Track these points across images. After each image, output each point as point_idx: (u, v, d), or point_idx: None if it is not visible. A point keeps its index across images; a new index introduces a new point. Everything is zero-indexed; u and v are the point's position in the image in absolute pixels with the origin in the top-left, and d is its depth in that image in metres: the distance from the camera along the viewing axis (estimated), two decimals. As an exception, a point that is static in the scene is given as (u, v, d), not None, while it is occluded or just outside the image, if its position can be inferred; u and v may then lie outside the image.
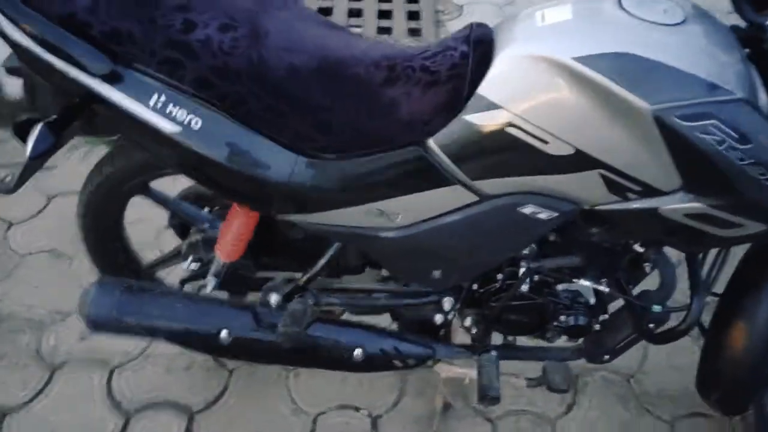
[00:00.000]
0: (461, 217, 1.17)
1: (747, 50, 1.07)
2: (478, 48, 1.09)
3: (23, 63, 1.11)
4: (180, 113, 1.08)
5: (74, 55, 1.04)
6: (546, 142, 1.04)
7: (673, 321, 1.30)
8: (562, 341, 1.43)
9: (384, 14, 2.86)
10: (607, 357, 1.42)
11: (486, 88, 1.05)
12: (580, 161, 1.05)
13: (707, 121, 0.97)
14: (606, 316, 1.37)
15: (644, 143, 1.01)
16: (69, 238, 2.08)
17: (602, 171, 1.06)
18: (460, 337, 1.49)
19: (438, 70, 1.10)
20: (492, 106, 1.05)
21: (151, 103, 1.07)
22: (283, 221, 1.26)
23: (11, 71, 1.22)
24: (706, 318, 1.33)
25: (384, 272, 1.42)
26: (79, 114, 1.15)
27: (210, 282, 1.39)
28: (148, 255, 1.69)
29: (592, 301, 1.35)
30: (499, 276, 1.32)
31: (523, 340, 1.47)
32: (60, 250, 2.07)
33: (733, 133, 0.97)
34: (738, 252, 1.32)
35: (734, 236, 1.10)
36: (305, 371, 1.75)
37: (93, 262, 1.57)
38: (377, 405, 1.70)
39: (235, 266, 1.39)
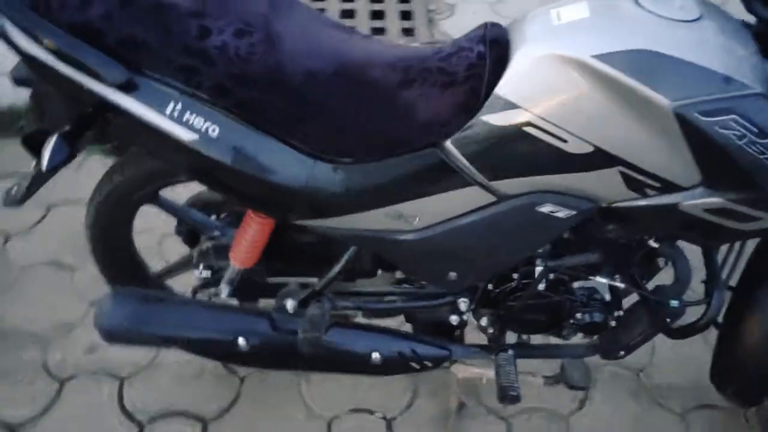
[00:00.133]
0: (479, 218, 1.17)
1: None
2: (495, 48, 1.09)
3: (35, 73, 1.10)
4: (197, 121, 1.07)
5: (89, 64, 1.02)
6: (565, 141, 1.05)
7: (688, 315, 1.31)
8: (576, 338, 1.43)
9: (377, 15, 2.86)
10: (622, 353, 1.42)
11: (503, 88, 1.05)
12: (599, 159, 1.05)
13: (727, 116, 0.98)
14: (621, 312, 1.38)
15: (664, 139, 1.01)
16: (70, 248, 2.05)
17: (621, 168, 1.06)
18: (472, 337, 1.50)
19: (454, 71, 1.10)
20: (510, 105, 1.05)
21: (168, 111, 1.06)
22: (297, 226, 1.25)
23: (19, 82, 1.20)
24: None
25: (398, 275, 1.42)
26: (92, 124, 1.13)
27: (224, 289, 1.39)
28: (151, 264, 1.67)
29: (608, 297, 1.35)
30: (515, 275, 1.33)
31: (537, 338, 1.48)
32: (61, 261, 2.04)
33: (752, 128, 0.98)
34: (749, 244, 1.34)
35: (752, 229, 1.11)
36: (317, 376, 1.74)
37: (101, 272, 1.55)
38: (391, 407, 1.70)
39: (247, 273, 1.38)
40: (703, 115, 0.98)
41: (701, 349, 1.76)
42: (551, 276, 1.31)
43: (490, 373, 1.44)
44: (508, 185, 1.12)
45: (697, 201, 1.07)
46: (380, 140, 1.11)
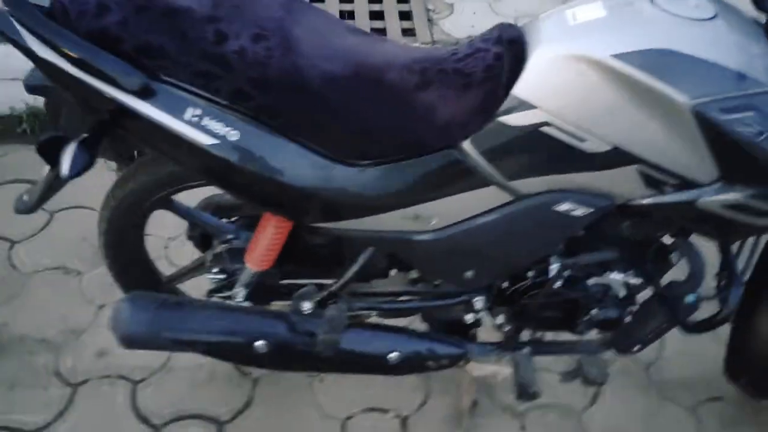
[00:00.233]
0: (496, 217, 1.18)
1: None
2: (512, 49, 1.10)
3: (52, 81, 1.10)
4: (216, 125, 1.07)
5: (107, 71, 1.03)
6: (583, 140, 1.05)
7: (704, 310, 1.33)
8: (589, 334, 1.44)
9: (376, 15, 2.86)
10: (636, 348, 1.43)
11: (521, 89, 1.06)
12: (616, 157, 1.06)
13: (746, 113, 0.99)
14: (635, 308, 1.39)
15: (682, 137, 1.02)
16: (76, 253, 2.05)
17: (639, 166, 1.07)
18: (482, 336, 1.51)
19: (472, 72, 1.10)
20: (528, 106, 1.05)
21: (186, 116, 1.06)
22: (313, 228, 1.25)
23: (32, 90, 1.20)
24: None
25: (412, 274, 1.42)
26: (109, 130, 1.13)
27: (239, 292, 1.39)
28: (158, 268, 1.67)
29: (622, 293, 1.36)
30: (530, 273, 1.33)
31: (551, 335, 1.49)
32: (68, 266, 2.03)
33: (770, 124, 0.99)
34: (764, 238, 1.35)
35: (768, 225, 1.12)
36: (329, 376, 1.74)
37: (114, 278, 1.55)
38: (404, 406, 1.70)
39: (261, 275, 1.39)
40: (722, 112, 0.99)
41: (709, 343, 1.77)
42: (567, 273, 1.32)
43: (505, 370, 1.45)
44: (525, 184, 1.13)
45: (715, 197, 1.08)
46: (399, 142, 1.12)
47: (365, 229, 1.21)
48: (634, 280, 1.33)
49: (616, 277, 1.32)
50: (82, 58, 1.02)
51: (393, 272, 1.43)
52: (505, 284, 1.36)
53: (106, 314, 1.88)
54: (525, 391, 1.34)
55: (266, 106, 1.07)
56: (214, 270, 1.44)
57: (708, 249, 1.32)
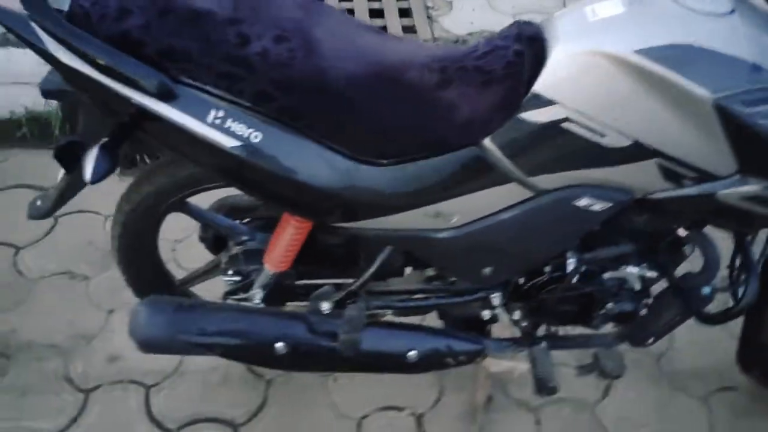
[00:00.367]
0: (516, 214, 1.18)
1: None
2: (533, 46, 1.10)
3: (71, 85, 1.09)
4: (239, 127, 1.07)
5: (130, 75, 1.02)
6: (603, 135, 1.06)
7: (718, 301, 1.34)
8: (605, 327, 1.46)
9: (376, 13, 2.85)
10: (651, 340, 1.45)
11: (542, 85, 1.06)
12: (636, 152, 1.07)
13: (766, 106, 1.00)
14: (650, 301, 1.40)
15: (702, 130, 1.03)
16: (82, 258, 2.04)
17: (658, 160, 1.08)
18: (497, 332, 1.51)
19: (492, 70, 1.11)
20: (549, 102, 1.06)
21: (209, 119, 1.06)
22: (331, 228, 1.26)
23: (48, 94, 1.20)
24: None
25: (428, 272, 1.43)
26: (129, 133, 1.13)
27: (257, 294, 1.39)
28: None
29: (638, 286, 1.37)
30: (546, 268, 1.34)
31: (566, 329, 1.50)
32: (74, 271, 2.01)
33: (791, 116, 1.01)
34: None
35: (787, 216, 1.14)
36: (343, 376, 1.75)
37: (127, 282, 1.54)
38: (419, 403, 1.71)
39: (278, 277, 1.39)
40: (743, 105, 1.00)
41: (718, 333, 1.79)
42: (583, 268, 1.33)
43: (522, 366, 1.45)
44: (545, 180, 1.13)
45: (734, 189, 1.09)
46: (420, 141, 1.12)
47: (386, 228, 1.21)
48: (649, 273, 1.34)
49: (631, 270, 1.34)
50: (104, 62, 1.01)
51: (408, 270, 1.43)
52: (522, 280, 1.37)
53: (116, 319, 1.88)
54: (544, 386, 1.35)
55: (289, 107, 1.07)
56: (230, 272, 1.44)
57: (718, 240, 1.34)
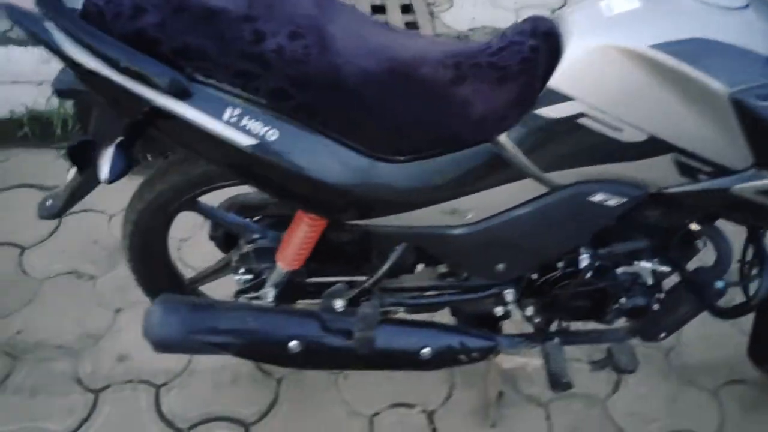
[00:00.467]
0: (531, 209, 1.18)
1: None
2: (547, 41, 1.10)
3: (86, 84, 1.08)
4: (255, 125, 1.07)
5: (145, 73, 1.02)
6: (619, 130, 1.06)
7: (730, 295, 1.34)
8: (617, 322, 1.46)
9: (377, 9, 2.85)
10: (663, 334, 1.45)
11: (558, 81, 1.06)
12: (652, 147, 1.07)
13: (783, 100, 1.00)
14: (662, 295, 1.40)
15: (719, 124, 1.03)
16: (89, 257, 2.03)
17: (674, 155, 1.08)
18: (509, 328, 1.51)
19: (507, 65, 1.10)
20: (565, 97, 1.06)
21: (225, 117, 1.06)
22: (345, 225, 1.25)
23: (61, 94, 1.19)
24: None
25: (440, 269, 1.43)
26: (143, 132, 1.12)
27: (269, 292, 1.39)
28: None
29: (650, 281, 1.37)
30: (559, 264, 1.34)
31: (578, 324, 1.50)
32: (81, 270, 2.01)
33: (807, 110, 1.01)
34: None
35: (802, 210, 1.14)
36: (354, 373, 1.74)
37: (137, 280, 1.54)
38: (430, 400, 1.71)
39: (291, 274, 1.38)
40: (759, 99, 1.00)
41: (727, 326, 1.80)
42: (597, 263, 1.33)
43: (535, 361, 1.45)
44: (561, 176, 1.13)
45: (750, 183, 1.09)
46: (435, 137, 1.12)
47: (400, 225, 1.21)
48: (662, 268, 1.35)
49: (644, 265, 1.34)
50: (119, 61, 1.01)
51: (419, 267, 1.43)
52: (535, 276, 1.37)
53: (123, 318, 1.88)
54: (558, 382, 1.35)
55: (305, 104, 1.06)
56: (241, 270, 1.43)
57: (730, 235, 1.34)
